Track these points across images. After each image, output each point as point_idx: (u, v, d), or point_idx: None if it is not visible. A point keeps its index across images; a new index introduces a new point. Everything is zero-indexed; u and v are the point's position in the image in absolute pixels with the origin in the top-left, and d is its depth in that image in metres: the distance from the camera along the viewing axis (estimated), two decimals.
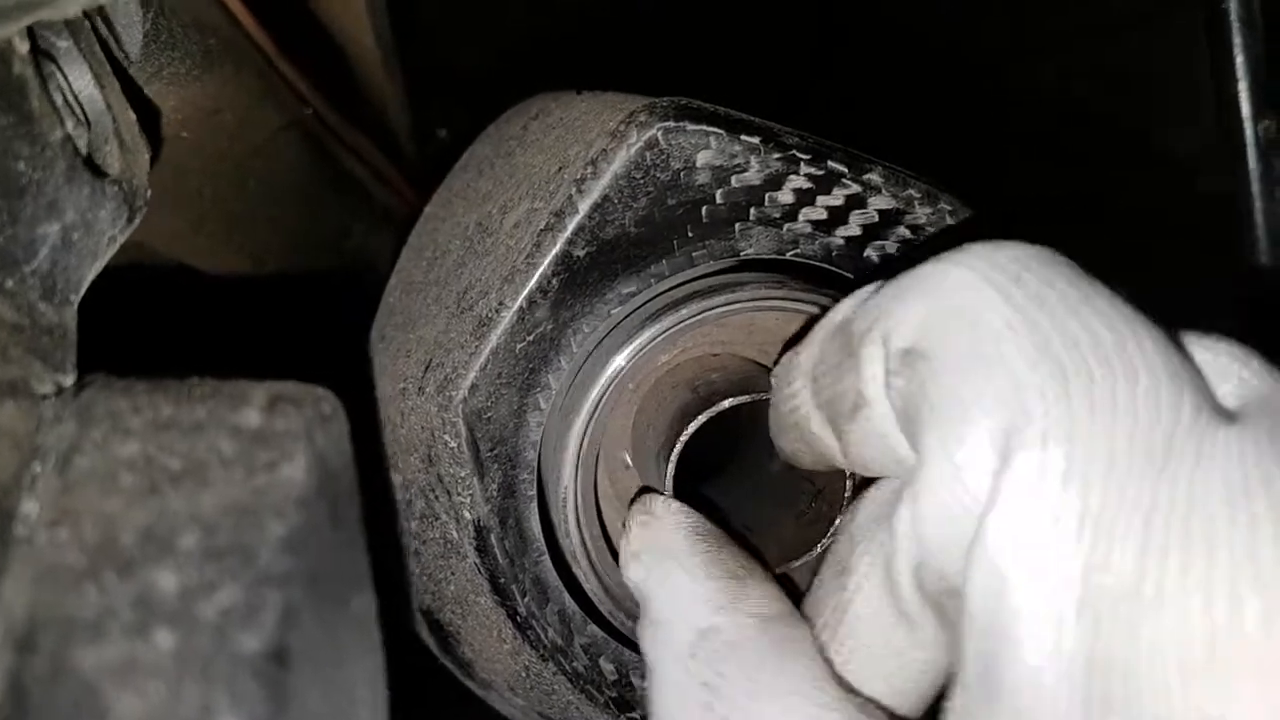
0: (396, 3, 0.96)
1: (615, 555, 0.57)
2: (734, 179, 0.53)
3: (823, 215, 0.54)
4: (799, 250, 0.55)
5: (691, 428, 0.51)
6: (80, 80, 0.44)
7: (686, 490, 0.54)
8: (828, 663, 0.45)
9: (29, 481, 0.34)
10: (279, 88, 0.75)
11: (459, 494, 0.54)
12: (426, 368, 0.56)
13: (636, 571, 0.51)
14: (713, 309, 0.53)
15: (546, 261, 0.52)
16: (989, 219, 0.56)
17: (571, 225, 0.52)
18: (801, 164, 0.53)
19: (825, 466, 0.47)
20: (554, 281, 0.52)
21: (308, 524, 0.33)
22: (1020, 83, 1.03)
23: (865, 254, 0.55)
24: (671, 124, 0.52)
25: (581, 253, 0.52)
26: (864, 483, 0.51)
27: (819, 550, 0.54)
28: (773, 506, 0.58)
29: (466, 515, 0.54)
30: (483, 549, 0.55)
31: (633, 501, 0.54)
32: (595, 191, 0.52)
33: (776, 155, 0.53)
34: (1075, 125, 0.98)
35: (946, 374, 0.35)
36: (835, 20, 1.16)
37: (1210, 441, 0.32)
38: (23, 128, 0.39)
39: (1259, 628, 0.30)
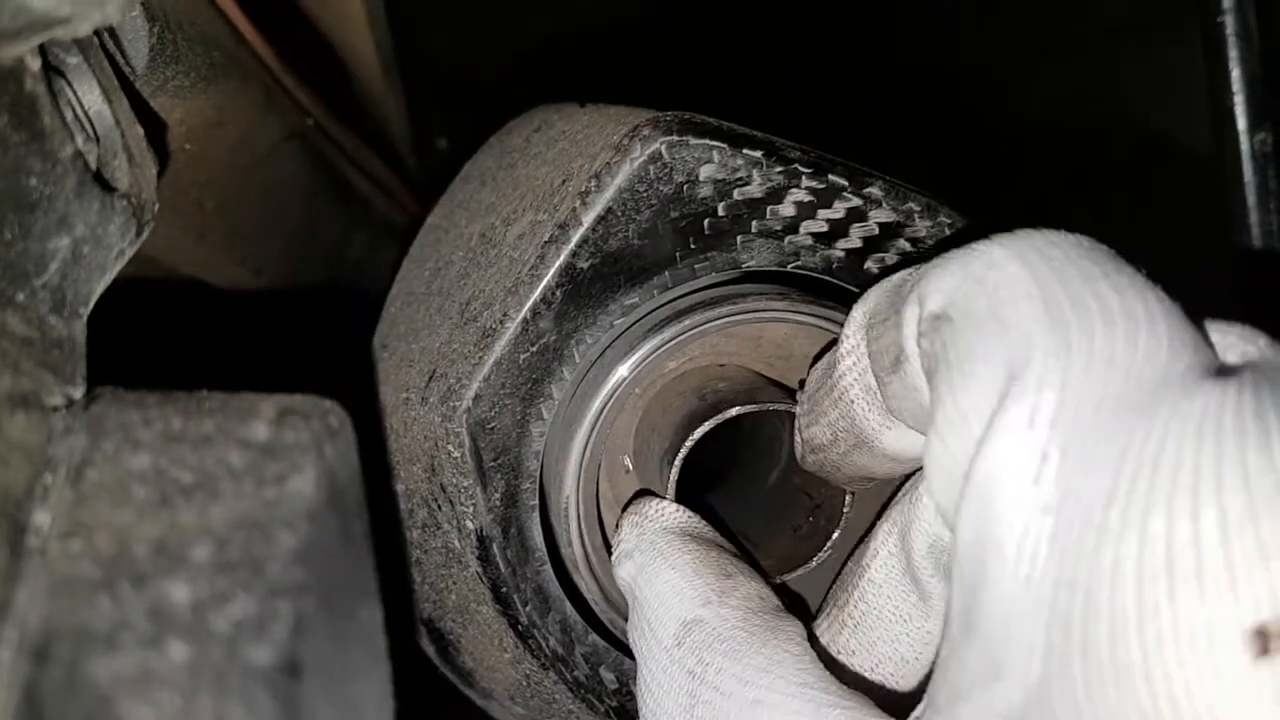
0: (397, 15, 0.96)
1: None
2: (736, 192, 0.53)
3: (824, 228, 0.55)
4: (800, 262, 0.55)
5: (699, 433, 0.52)
6: (89, 96, 0.45)
7: (686, 499, 0.54)
8: (820, 653, 0.47)
9: (41, 493, 0.35)
10: (281, 100, 0.76)
11: (462, 503, 0.55)
12: (430, 378, 0.56)
13: (627, 570, 0.52)
14: (715, 320, 0.53)
15: (550, 273, 0.53)
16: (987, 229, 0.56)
17: (575, 237, 0.52)
18: (803, 177, 0.54)
19: (840, 471, 0.48)
20: (558, 293, 0.53)
21: (317, 536, 0.33)
22: (1015, 95, 1.04)
23: (865, 266, 0.55)
24: (675, 138, 0.52)
25: (585, 264, 0.53)
26: (862, 498, 0.52)
27: (815, 564, 0.54)
28: (771, 520, 0.58)
29: (469, 525, 0.55)
30: (485, 558, 0.55)
31: (628, 504, 0.55)
32: (599, 204, 0.52)
33: (778, 169, 0.53)
34: (1070, 138, 0.98)
35: (964, 333, 0.38)
36: (834, 31, 1.16)
37: (1201, 389, 0.33)
38: (34, 144, 0.39)
39: (1214, 537, 0.30)
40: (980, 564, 0.35)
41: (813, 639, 0.48)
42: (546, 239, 0.53)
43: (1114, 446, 0.33)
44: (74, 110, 0.44)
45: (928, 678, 0.46)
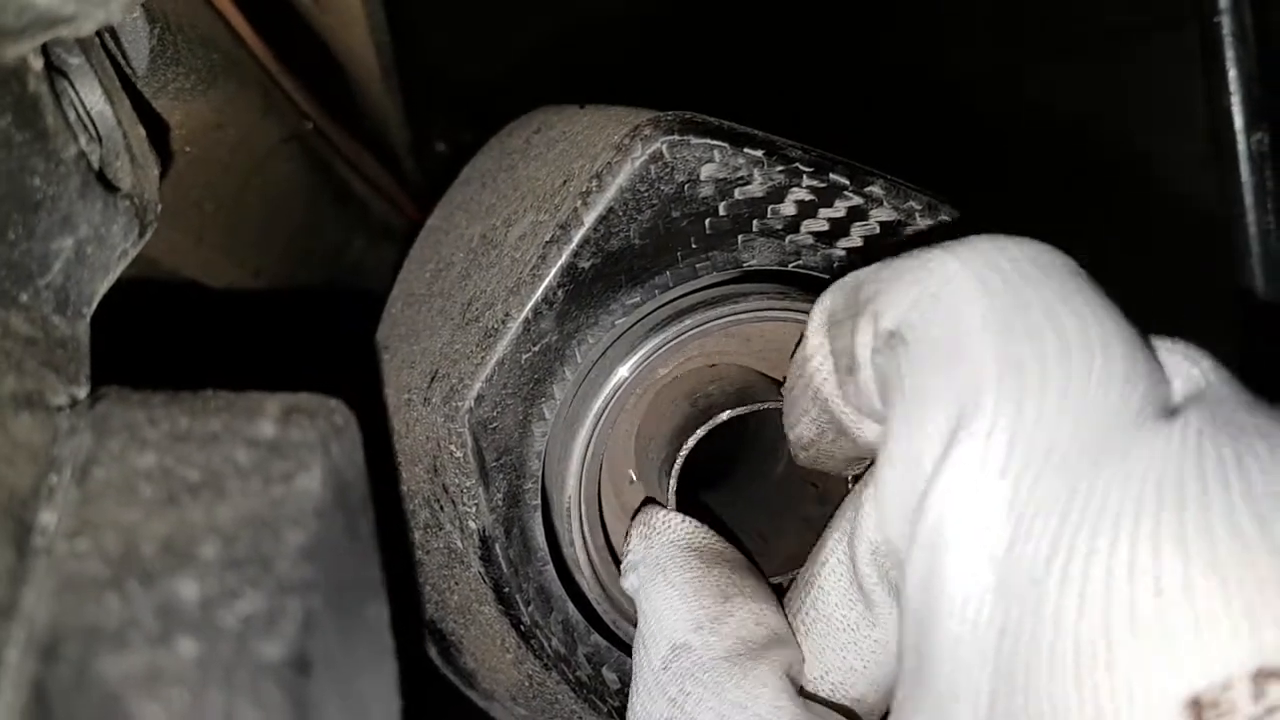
0: (396, 17, 0.96)
1: (619, 564, 0.57)
2: (737, 191, 0.53)
3: (825, 227, 0.55)
4: (801, 261, 0.55)
5: (690, 443, 0.52)
6: (92, 96, 0.45)
7: (691, 499, 0.54)
8: (798, 683, 0.47)
9: (47, 493, 0.35)
10: (280, 102, 0.76)
11: (464, 504, 0.55)
12: (432, 379, 0.56)
13: (631, 582, 0.52)
14: (716, 319, 0.53)
15: (552, 273, 0.53)
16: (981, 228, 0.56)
17: (577, 237, 0.52)
18: (804, 176, 0.54)
19: (834, 458, 0.48)
20: (559, 293, 0.53)
21: (325, 534, 0.33)
22: (1013, 96, 1.04)
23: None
24: (676, 137, 0.52)
25: (586, 264, 0.53)
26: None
27: None
28: (780, 512, 0.58)
29: (471, 525, 0.55)
30: (487, 558, 0.55)
31: (637, 512, 0.55)
32: (600, 204, 0.52)
33: (779, 168, 0.53)
34: (1068, 138, 0.99)
35: (918, 360, 0.38)
36: (833, 31, 1.17)
37: (1146, 436, 0.34)
38: (38, 144, 0.39)
39: (1150, 605, 0.31)
40: (929, 604, 0.36)
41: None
42: (548, 239, 0.53)
43: (1061, 498, 0.34)
44: (77, 111, 0.44)
45: (880, 687, 0.47)
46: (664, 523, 0.53)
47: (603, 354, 0.55)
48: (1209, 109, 0.75)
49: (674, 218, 0.53)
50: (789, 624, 0.49)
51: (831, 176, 0.54)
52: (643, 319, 0.55)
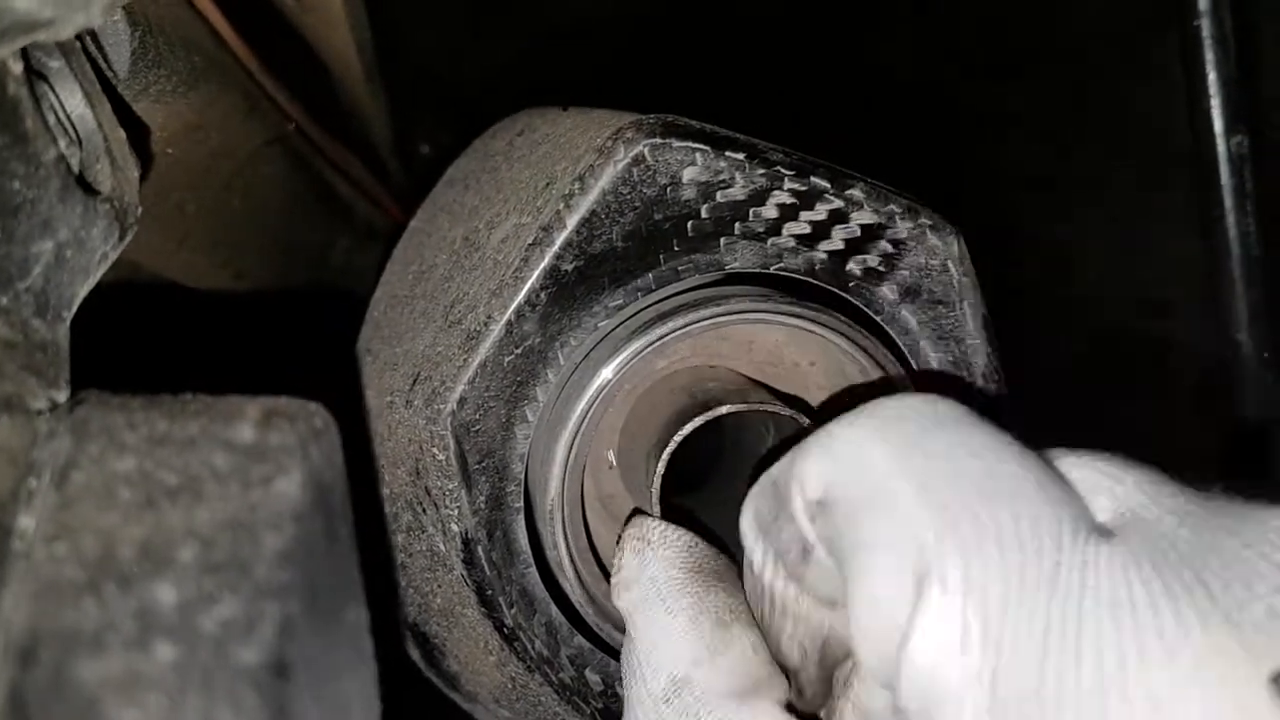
0: (379, 19, 0.96)
1: (602, 567, 0.57)
2: (719, 194, 0.53)
3: (806, 230, 0.55)
4: (783, 264, 0.55)
5: (689, 427, 0.52)
6: (72, 100, 0.45)
7: (666, 502, 0.54)
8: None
9: (25, 497, 0.35)
10: (263, 104, 0.76)
11: (446, 506, 0.55)
12: (414, 381, 0.56)
13: (626, 601, 0.52)
14: (699, 322, 0.53)
15: (535, 276, 0.53)
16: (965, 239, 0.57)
17: (559, 240, 0.52)
18: (785, 179, 0.54)
19: (839, 651, 0.48)
20: (542, 295, 0.53)
21: (303, 537, 0.33)
22: (994, 101, 1.04)
23: (848, 268, 0.56)
24: (658, 141, 0.52)
25: (569, 267, 0.53)
26: None
27: None
28: None
29: (454, 527, 0.55)
30: (470, 561, 0.55)
31: (627, 521, 0.55)
32: (583, 207, 0.52)
33: (760, 171, 0.53)
34: (1049, 142, 0.99)
35: (850, 519, 0.40)
36: (814, 35, 1.17)
37: (1093, 562, 0.35)
38: (17, 147, 0.39)
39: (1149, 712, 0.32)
40: None
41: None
42: (530, 241, 0.53)
43: (1034, 633, 0.35)
44: (56, 114, 0.44)
45: None
46: (660, 538, 0.53)
47: (586, 356, 0.55)
48: (1189, 112, 0.75)
49: (656, 220, 0.53)
50: None
51: (813, 180, 0.54)
52: (625, 321, 0.55)
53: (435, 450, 0.54)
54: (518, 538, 0.56)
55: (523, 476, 0.55)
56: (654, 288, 0.55)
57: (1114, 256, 0.93)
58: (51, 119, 0.43)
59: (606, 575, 0.56)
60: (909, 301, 0.57)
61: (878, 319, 0.57)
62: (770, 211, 0.54)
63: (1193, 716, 0.32)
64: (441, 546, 0.56)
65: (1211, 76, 0.74)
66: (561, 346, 0.54)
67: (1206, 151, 0.75)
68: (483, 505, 0.54)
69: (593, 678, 0.57)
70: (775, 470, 0.45)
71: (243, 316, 0.82)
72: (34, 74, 0.43)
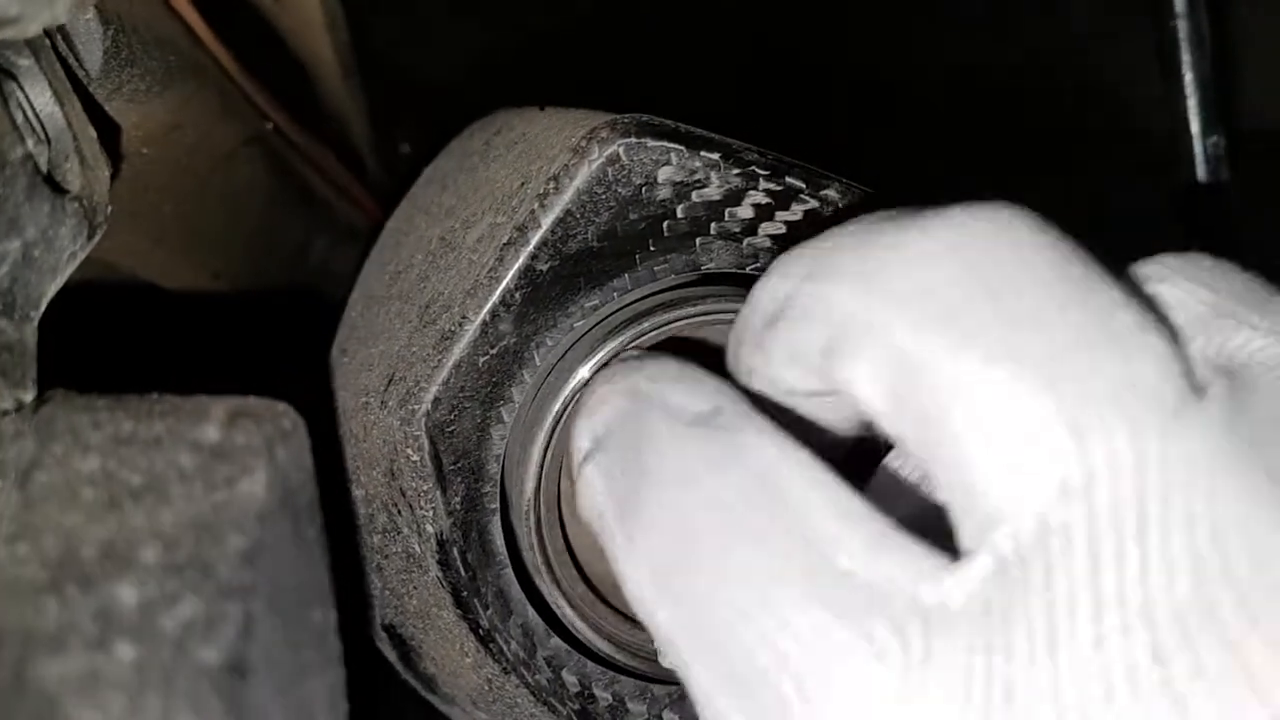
0: (356, 18, 0.96)
1: (579, 567, 0.57)
2: (694, 194, 0.53)
3: (781, 230, 0.55)
4: (759, 265, 0.55)
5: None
6: (40, 98, 0.45)
7: None
8: None
9: None
10: (239, 103, 0.75)
11: (421, 507, 0.54)
12: (389, 382, 0.56)
13: (597, 467, 0.43)
14: (675, 322, 0.53)
15: (509, 275, 0.53)
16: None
17: (534, 239, 0.52)
18: (760, 180, 0.54)
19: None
20: (517, 295, 0.53)
21: (268, 538, 0.33)
22: (972, 99, 1.04)
23: None
24: (633, 140, 0.52)
25: (544, 267, 0.53)
26: None
27: None
28: None
29: (429, 529, 0.54)
30: (445, 562, 0.55)
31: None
32: (558, 206, 0.52)
33: (736, 171, 0.53)
34: (1026, 141, 0.99)
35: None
36: (788, 33, 1.17)
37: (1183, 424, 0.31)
38: None
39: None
40: None
41: None
42: (505, 241, 0.53)
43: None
44: (24, 112, 0.44)
45: None
46: (623, 367, 0.45)
47: (561, 356, 0.55)
48: (1166, 113, 0.76)
49: (631, 220, 0.53)
50: None
51: (788, 180, 0.54)
52: (601, 321, 0.55)
53: (410, 451, 0.54)
54: (494, 539, 0.55)
55: (499, 477, 0.55)
56: (630, 288, 0.55)
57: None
58: (19, 117, 0.43)
59: (583, 576, 0.56)
60: None
61: None
62: (746, 212, 0.54)
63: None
64: (417, 548, 0.56)
65: (1188, 77, 0.74)
66: (537, 347, 0.54)
67: (1183, 153, 0.75)
68: (458, 506, 0.54)
69: (569, 679, 0.57)
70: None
71: (220, 316, 0.81)
72: (2, 72, 0.43)
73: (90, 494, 0.33)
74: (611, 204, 0.53)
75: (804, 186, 0.54)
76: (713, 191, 0.53)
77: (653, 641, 0.55)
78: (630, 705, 0.57)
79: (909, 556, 0.32)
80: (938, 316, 0.33)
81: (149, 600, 0.30)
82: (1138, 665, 0.29)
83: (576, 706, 0.57)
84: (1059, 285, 0.33)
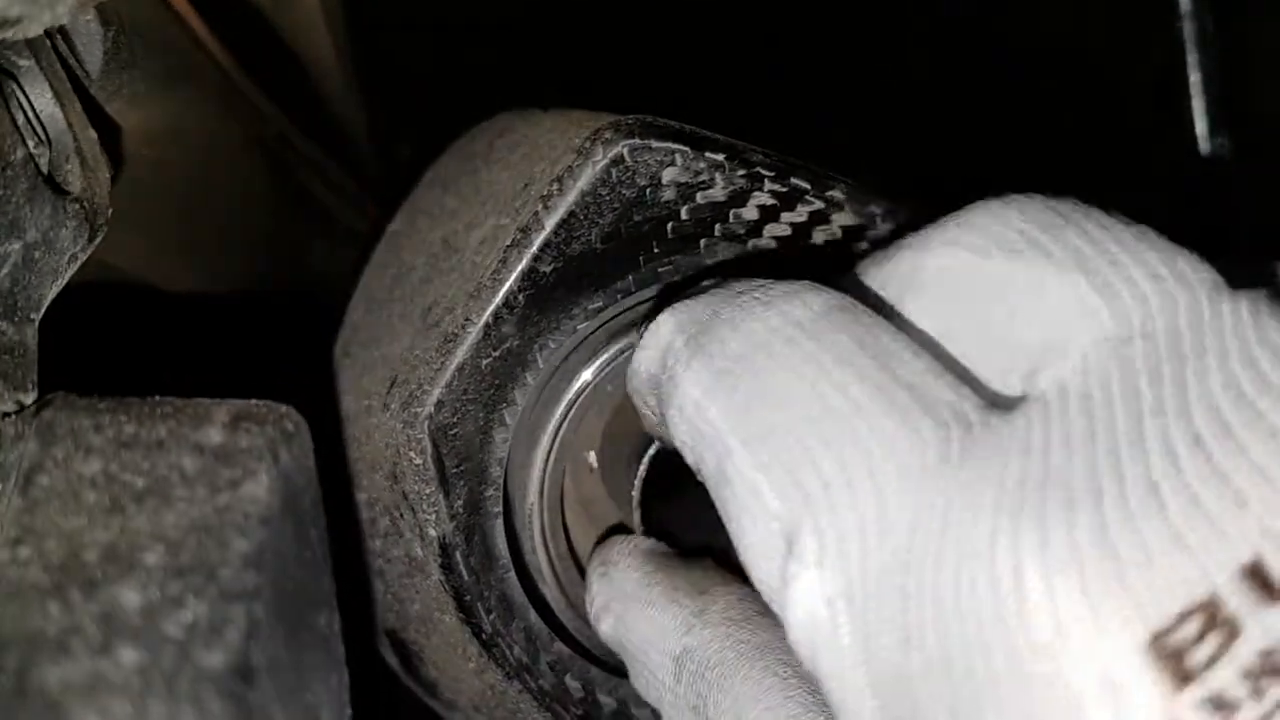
0: (357, 20, 0.96)
1: (582, 572, 0.57)
2: (699, 195, 0.53)
3: (787, 231, 0.55)
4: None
5: None
6: (41, 99, 0.44)
7: (652, 500, 0.54)
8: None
9: None
10: (240, 106, 0.75)
11: (424, 511, 0.54)
12: (391, 384, 0.56)
13: (607, 625, 0.51)
14: None
15: (513, 277, 0.52)
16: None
17: (538, 241, 0.52)
18: (765, 181, 0.53)
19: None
20: (520, 297, 0.53)
21: (271, 541, 0.33)
22: (970, 101, 1.04)
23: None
24: (637, 141, 0.52)
25: (548, 269, 0.53)
26: None
27: None
28: None
29: (431, 532, 0.54)
30: (447, 566, 0.55)
31: (594, 549, 0.54)
32: (561, 208, 0.52)
33: (741, 172, 0.53)
34: (1030, 146, 0.99)
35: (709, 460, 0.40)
36: (794, 38, 1.17)
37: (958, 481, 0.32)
38: None
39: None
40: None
41: None
42: (508, 243, 0.53)
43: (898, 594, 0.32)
44: (25, 113, 0.43)
45: None
46: (620, 552, 0.52)
47: (565, 359, 0.54)
48: (1171, 114, 0.76)
49: (636, 221, 0.53)
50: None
51: (793, 181, 0.54)
52: (606, 323, 0.54)
53: (412, 454, 0.54)
54: (496, 543, 0.55)
55: (501, 480, 0.55)
56: (634, 290, 0.54)
57: None
58: (20, 118, 0.42)
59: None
60: None
61: None
62: (751, 213, 0.54)
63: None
64: (419, 552, 0.55)
65: (1193, 78, 0.74)
66: (540, 349, 0.54)
67: (1189, 153, 0.75)
68: (460, 510, 0.54)
69: (573, 684, 0.57)
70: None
71: (220, 318, 0.81)
72: (3, 73, 0.43)
73: (92, 497, 0.33)
74: (615, 205, 0.52)
75: (809, 188, 0.54)
76: (717, 193, 0.53)
77: None
78: (634, 711, 0.57)
79: (963, 390, 0.35)
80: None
81: (152, 604, 0.30)
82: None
83: (580, 712, 0.57)
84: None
